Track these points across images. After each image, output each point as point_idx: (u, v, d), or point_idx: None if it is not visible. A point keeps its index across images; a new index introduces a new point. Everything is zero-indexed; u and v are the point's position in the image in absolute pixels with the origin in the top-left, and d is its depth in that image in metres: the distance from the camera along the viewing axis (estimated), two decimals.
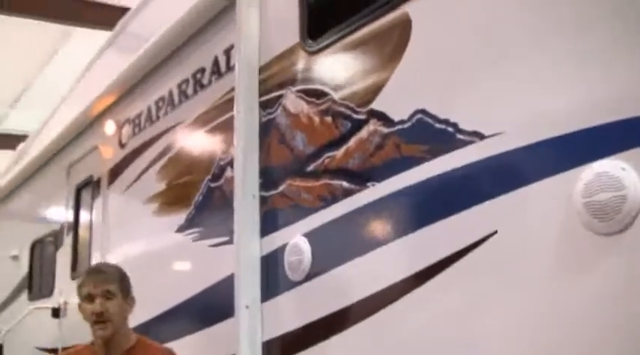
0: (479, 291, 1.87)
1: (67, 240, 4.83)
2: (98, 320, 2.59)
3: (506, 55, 1.86)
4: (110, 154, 4.26)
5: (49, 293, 5.01)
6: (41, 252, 5.55)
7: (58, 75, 9.90)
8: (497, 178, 1.84)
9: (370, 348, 2.19)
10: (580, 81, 1.68)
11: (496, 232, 1.81)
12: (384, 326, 2.13)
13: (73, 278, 4.58)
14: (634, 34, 1.58)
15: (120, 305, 2.64)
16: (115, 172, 4.16)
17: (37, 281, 5.58)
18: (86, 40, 10.08)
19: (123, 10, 9.52)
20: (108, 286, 2.62)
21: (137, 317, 3.48)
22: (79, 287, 2.68)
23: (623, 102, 1.57)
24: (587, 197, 1.59)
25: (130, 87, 4.03)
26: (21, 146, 6.84)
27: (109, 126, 4.27)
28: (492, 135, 1.85)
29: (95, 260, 4.19)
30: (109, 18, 9.75)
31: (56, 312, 4.64)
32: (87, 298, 2.62)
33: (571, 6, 1.72)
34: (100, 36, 9.61)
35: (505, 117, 1.83)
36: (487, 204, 1.85)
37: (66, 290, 4.64)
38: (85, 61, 5.14)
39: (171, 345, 3.04)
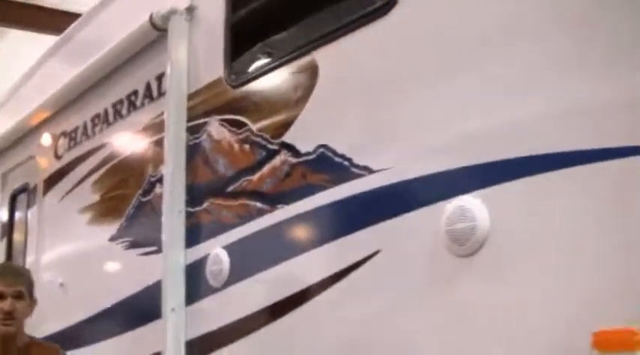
0: (366, 299, 2.26)
1: (1, 244, 5.06)
2: (6, 317, 2.73)
3: (392, 102, 2.25)
4: (46, 164, 4.52)
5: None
6: None
7: None
8: (382, 206, 2.22)
9: (277, 346, 2.55)
10: (446, 127, 2.07)
11: (379, 251, 2.20)
12: (291, 328, 2.50)
13: None
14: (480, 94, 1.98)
15: (26, 306, 2.81)
16: (51, 182, 4.43)
17: None
18: (24, 41, 10.22)
19: (62, 14, 9.70)
20: (20, 287, 2.78)
21: (71, 318, 3.79)
22: None
23: (475, 149, 1.97)
24: (449, 225, 1.99)
25: (68, 102, 4.30)
26: None
27: (46, 138, 4.54)
28: (380, 170, 2.23)
29: (29, 264, 4.45)
30: (46, 21, 9.92)
31: None
32: None
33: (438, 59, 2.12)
34: (37, 39, 9.76)
35: (390, 155, 2.22)
36: (373, 227, 2.23)
37: None
38: (20, 63, 5.34)
39: (102, 344, 3.36)
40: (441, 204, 2.02)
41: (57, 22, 8.76)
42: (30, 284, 2.87)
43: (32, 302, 2.87)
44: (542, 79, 1.84)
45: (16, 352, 2.80)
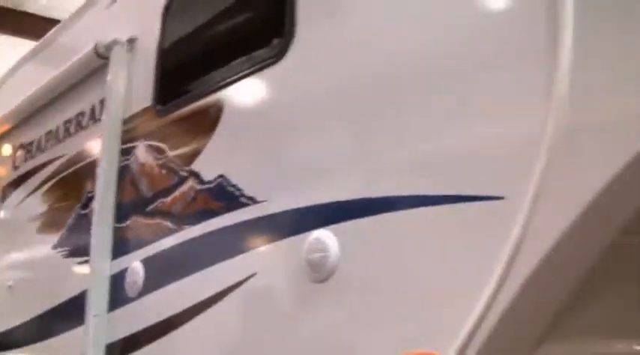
0: (244, 315, 2.56)
1: None
2: None
3: (272, 142, 2.56)
4: (5, 173, 4.84)
5: None
6: None
7: None
8: (261, 233, 2.53)
9: (179, 349, 2.86)
10: (309, 169, 2.38)
11: (256, 273, 2.51)
12: (186, 337, 2.81)
13: None
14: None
15: None
16: (8, 190, 4.75)
17: None
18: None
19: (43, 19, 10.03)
20: None
21: (15, 319, 4.09)
22: None
23: (326, 188, 2.27)
24: (308, 254, 2.29)
25: (26, 117, 4.62)
26: None
27: (6, 149, 4.85)
28: (261, 201, 2.54)
29: None
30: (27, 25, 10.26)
31: None
32: None
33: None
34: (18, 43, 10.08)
35: (268, 189, 2.53)
36: (254, 251, 2.54)
37: None
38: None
39: (32, 348, 3.67)
40: (303, 235, 2.33)
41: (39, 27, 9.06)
42: None
43: None
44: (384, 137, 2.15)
45: None
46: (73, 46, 4.11)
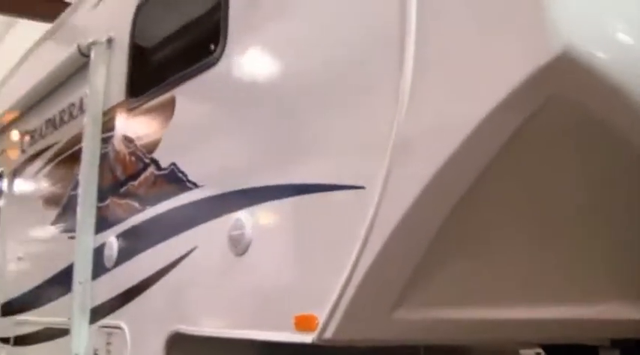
0: (189, 280, 3.04)
1: None
2: None
3: (210, 136, 3.01)
4: (14, 157, 5.37)
5: None
6: None
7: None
8: (201, 212, 2.99)
9: (147, 309, 3.35)
10: (239, 160, 2.82)
11: (197, 247, 2.98)
12: (148, 302, 3.29)
13: None
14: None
15: None
16: (17, 172, 5.29)
17: None
18: (30, 30, 11.07)
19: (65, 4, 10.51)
20: None
21: (25, 285, 4.64)
22: None
23: (246, 177, 2.72)
24: (231, 231, 2.75)
25: (30, 106, 5.13)
26: None
27: (14, 135, 5.39)
28: (201, 186, 3.01)
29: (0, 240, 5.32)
30: (52, 11, 10.76)
31: None
32: None
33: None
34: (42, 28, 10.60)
35: (205, 176, 2.99)
36: (196, 228, 3.00)
37: None
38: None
39: (36, 311, 4.20)
40: (229, 215, 2.79)
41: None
42: None
43: None
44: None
45: None
46: (67, 43, 4.58)
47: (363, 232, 2.14)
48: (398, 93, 2.08)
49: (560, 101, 1.81)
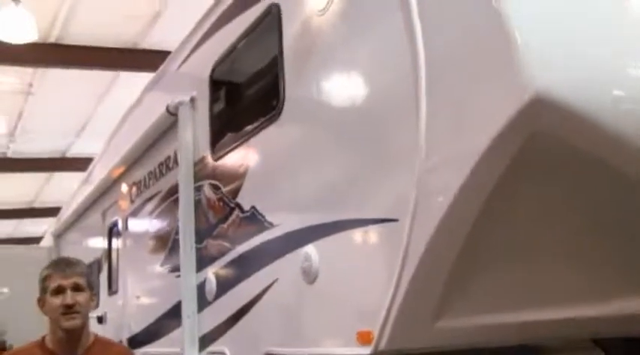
0: (276, 306, 3.50)
1: (105, 266, 6.64)
2: (68, 311, 2.67)
3: (279, 183, 3.47)
4: (125, 206, 6.02)
5: (97, 305, 6.84)
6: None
7: (111, 110, 11.74)
8: (279, 248, 3.44)
9: (244, 334, 3.83)
10: (304, 201, 3.27)
11: (278, 278, 3.44)
12: (248, 324, 3.76)
13: (109, 294, 6.41)
14: None
15: (87, 298, 2.75)
16: (128, 219, 5.93)
17: None
18: (131, 80, 11.97)
19: (158, 53, 11.37)
20: (77, 279, 2.72)
21: (144, 322, 5.22)
22: (44, 280, 2.74)
23: (312, 215, 3.16)
24: (302, 263, 3.19)
25: (134, 161, 5.76)
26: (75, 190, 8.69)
27: (124, 187, 6.04)
28: (277, 225, 3.47)
29: (121, 281, 5.97)
30: (149, 61, 11.63)
31: (100, 320, 6.44)
32: (55, 291, 2.70)
33: None
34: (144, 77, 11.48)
35: (279, 216, 3.45)
36: (276, 262, 3.46)
37: (105, 303, 6.45)
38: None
39: (156, 343, 4.75)
40: (300, 249, 3.23)
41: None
42: (87, 275, 2.83)
43: (92, 294, 2.84)
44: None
45: (82, 348, 2.80)
46: (159, 102, 5.17)
47: (400, 256, 2.54)
48: (417, 140, 2.47)
49: (544, 137, 2.16)
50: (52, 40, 11.40)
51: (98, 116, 13.79)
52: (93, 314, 6.61)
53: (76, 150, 15.83)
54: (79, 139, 15.42)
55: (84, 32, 11.36)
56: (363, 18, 2.88)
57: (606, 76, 2.16)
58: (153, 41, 11.77)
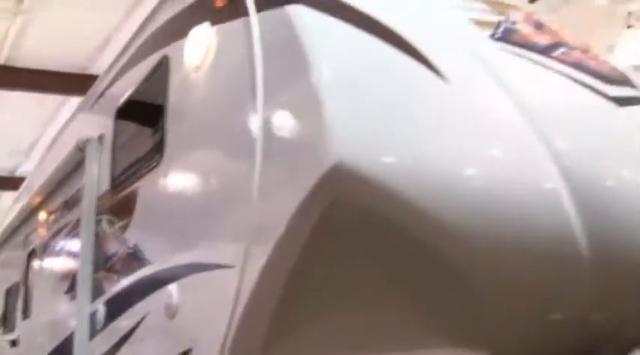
0: (147, 339, 3.75)
1: (22, 290, 6.83)
2: None
3: (158, 220, 3.74)
4: (42, 234, 6.24)
5: (13, 328, 7.02)
6: (9, 297, 7.60)
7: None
8: (152, 284, 3.70)
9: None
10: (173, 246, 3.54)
11: (150, 312, 3.69)
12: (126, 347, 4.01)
13: (23, 318, 6.60)
14: None
15: None
16: (43, 247, 6.15)
17: (8, 319, 7.63)
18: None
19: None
20: None
21: (47, 345, 5.40)
22: None
23: (177, 252, 3.43)
24: (166, 299, 3.45)
25: (50, 191, 6.00)
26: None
27: (42, 215, 6.26)
28: (152, 263, 3.73)
29: (34, 307, 6.16)
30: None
31: (13, 343, 6.62)
32: None
33: None
34: None
35: (152, 254, 3.71)
36: (149, 297, 3.72)
37: (19, 327, 6.64)
38: None
39: None
40: (165, 287, 3.50)
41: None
42: None
43: None
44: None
45: None
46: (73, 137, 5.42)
47: (232, 298, 2.83)
48: (250, 195, 2.78)
49: (344, 203, 2.48)
50: (0, 61, 11.64)
51: (47, 138, 14.01)
52: (6, 338, 6.82)
53: (26, 169, 16.00)
54: (29, 159, 15.61)
55: (33, 55, 11.61)
56: (222, 81, 3.19)
57: (398, 149, 2.49)
58: (102, 66, 12.02)
